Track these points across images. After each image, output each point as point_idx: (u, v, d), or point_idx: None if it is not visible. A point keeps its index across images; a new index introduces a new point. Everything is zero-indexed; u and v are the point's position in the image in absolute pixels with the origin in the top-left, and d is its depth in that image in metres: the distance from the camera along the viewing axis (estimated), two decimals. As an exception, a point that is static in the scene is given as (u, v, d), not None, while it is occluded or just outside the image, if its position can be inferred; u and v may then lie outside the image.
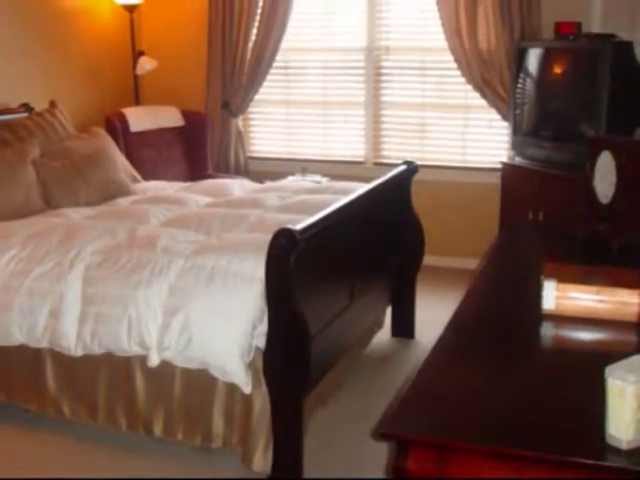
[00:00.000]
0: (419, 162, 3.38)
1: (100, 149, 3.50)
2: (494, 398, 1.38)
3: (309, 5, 4.46)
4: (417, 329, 3.36)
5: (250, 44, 4.41)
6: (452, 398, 1.38)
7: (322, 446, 2.42)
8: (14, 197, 3.02)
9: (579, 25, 3.59)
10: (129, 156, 3.99)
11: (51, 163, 3.25)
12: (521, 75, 3.79)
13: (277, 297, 2.10)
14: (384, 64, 4.39)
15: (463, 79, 4.09)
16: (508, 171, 3.85)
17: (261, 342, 2.17)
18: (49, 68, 4.04)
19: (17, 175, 3.07)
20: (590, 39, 3.48)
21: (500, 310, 1.83)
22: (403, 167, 3.21)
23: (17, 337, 2.47)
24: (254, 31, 4.38)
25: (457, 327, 1.70)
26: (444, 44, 4.06)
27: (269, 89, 4.59)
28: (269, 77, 4.48)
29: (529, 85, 3.78)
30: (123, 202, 3.27)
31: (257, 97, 4.54)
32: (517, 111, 3.85)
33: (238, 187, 3.49)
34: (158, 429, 2.38)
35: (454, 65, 4.07)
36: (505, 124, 4.08)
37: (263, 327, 2.17)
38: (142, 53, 4.56)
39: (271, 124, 4.76)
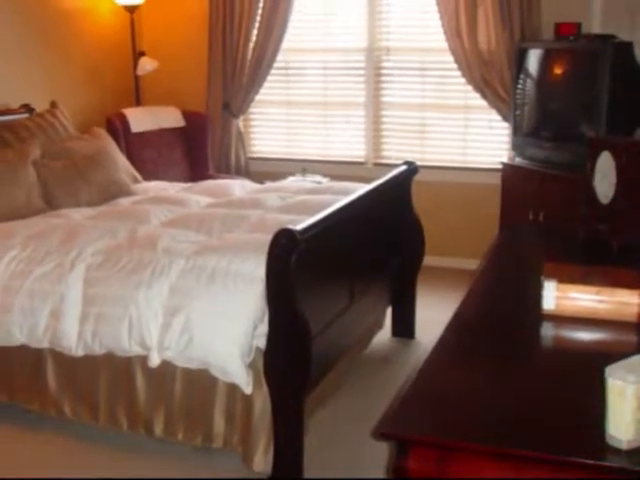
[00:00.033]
0: (419, 163, 3.39)
1: (101, 150, 3.51)
2: (494, 398, 1.38)
3: (309, 6, 4.47)
4: (417, 329, 3.36)
5: (251, 45, 4.41)
6: (452, 398, 1.39)
7: (322, 446, 2.42)
8: (15, 198, 3.03)
9: (579, 26, 3.59)
10: (130, 157, 3.99)
11: (52, 164, 3.25)
12: (521, 76, 3.79)
13: (278, 297, 2.11)
14: (384, 65, 4.39)
15: (463, 80, 4.09)
16: (508, 171, 3.85)
17: (262, 342, 2.18)
18: (50, 69, 4.04)
19: (18, 176, 3.07)
20: (590, 40, 3.48)
21: (500, 310, 1.83)
22: (403, 167, 3.21)
23: (18, 337, 2.48)
24: (255, 32, 4.39)
25: (457, 327, 1.70)
26: (444, 45, 4.06)
27: (270, 90, 4.60)
28: (270, 78, 4.48)
29: (529, 86, 3.78)
30: (124, 202, 3.28)
31: (258, 98, 4.55)
32: (517, 112, 3.85)
33: (239, 187, 3.49)
34: (159, 429, 2.38)
35: (454, 66, 4.08)
36: (505, 125, 4.08)
37: (264, 327, 2.18)
38: (143, 54, 4.57)
39: (272, 125, 4.76)
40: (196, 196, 3.29)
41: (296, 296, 2.08)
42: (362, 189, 2.80)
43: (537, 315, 1.72)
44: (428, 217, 3.48)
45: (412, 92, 4.37)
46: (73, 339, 2.39)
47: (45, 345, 2.46)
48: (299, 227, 2.13)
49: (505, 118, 4.04)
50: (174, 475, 2.30)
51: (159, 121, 4.34)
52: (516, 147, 3.88)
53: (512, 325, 1.74)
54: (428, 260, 3.42)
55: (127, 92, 4.59)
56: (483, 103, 4.09)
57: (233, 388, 2.24)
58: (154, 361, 2.29)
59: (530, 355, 1.61)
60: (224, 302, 2.22)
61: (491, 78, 4.01)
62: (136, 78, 4.57)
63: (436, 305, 3.51)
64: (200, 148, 4.42)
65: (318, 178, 4.31)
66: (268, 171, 4.55)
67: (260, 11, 4.34)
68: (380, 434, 1.33)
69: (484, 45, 3.99)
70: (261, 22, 4.35)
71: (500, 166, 3.93)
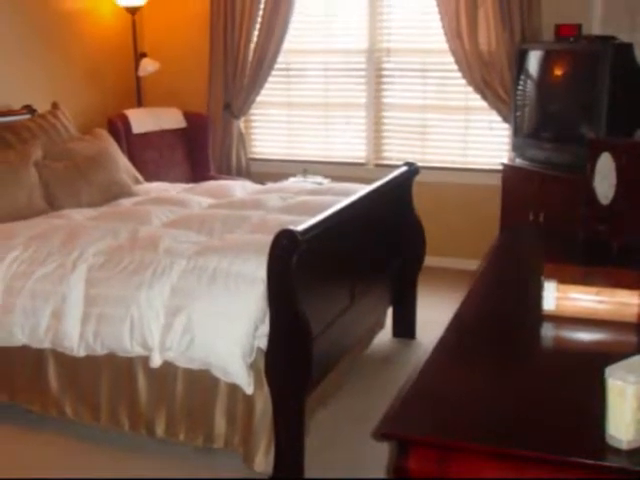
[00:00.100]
0: (420, 163, 3.39)
1: (102, 150, 3.52)
2: (495, 398, 1.38)
3: (310, 7, 4.47)
4: (418, 330, 3.36)
5: (252, 46, 4.42)
6: (453, 398, 1.39)
7: (323, 446, 2.43)
8: (17, 198, 3.03)
9: (579, 27, 3.59)
10: (131, 157, 4.00)
11: (53, 164, 3.26)
12: (522, 77, 3.80)
13: (279, 298, 2.11)
14: (385, 66, 4.40)
15: (464, 81, 4.10)
16: (509, 172, 3.86)
17: (263, 343, 2.18)
18: (51, 70, 4.05)
19: (20, 177, 3.08)
20: (590, 41, 3.49)
21: (501, 311, 1.83)
22: (404, 168, 3.22)
23: (19, 338, 2.48)
24: (256, 33, 4.40)
25: (458, 328, 1.70)
26: (445, 46, 4.07)
27: (271, 91, 4.60)
28: (270, 79, 4.49)
29: (530, 87, 3.79)
30: (125, 203, 3.28)
31: (259, 99, 4.55)
32: (518, 113, 3.86)
33: (240, 188, 3.50)
34: (160, 429, 2.39)
35: (455, 67, 4.08)
36: (506, 126, 4.09)
37: (265, 328, 2.18)
38: (144, 55, 4.58)
39: (272, 126, 4.77)
40: (197, 197, 3.30)
41: (297, 296, 2.08)
42: (363, 190, 2.81)
43: (537, 315, 1.72)
44: (429, 218, 3.49)
45: (413, 93, 4.37)
46: (75, 339, 2.40)
47: (47, 345, 2.47)
48: (300, 228, 2.14)
49: (505, 119, 4.04)
50: (175, 475, 2.30)
51: (160, 122, 4.34)
52: (516, 148, 3.89)
53: (512, 325, 1.75)
54: (429, 261, 3.43)
55: (128, 93, 4.60)
56: (483, 104, 4.09)
57: (234, 388, 2.24)
58: (155, 361, 2.30)
59: (530, 355, 1.62)
60: (225, 302, 2.23)
61: (491, 79, 4.01)
62: (137, 79, 4.58)
63: (437, 305, 3.52)
64: (201, 149, 4.43)
65: (319, 179, 4.31)
66: (269, 172, 4.56)
67: (261, 12, 4.35)
68: (381, 434, 1.33)
69: (484, 46, 3.99)
70: (262, 23, 4.36)
71: (500, 167, 3.93)
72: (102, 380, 2.44)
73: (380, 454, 2.34)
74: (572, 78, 3.62)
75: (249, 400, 2.23)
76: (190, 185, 3.70)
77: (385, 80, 4.42)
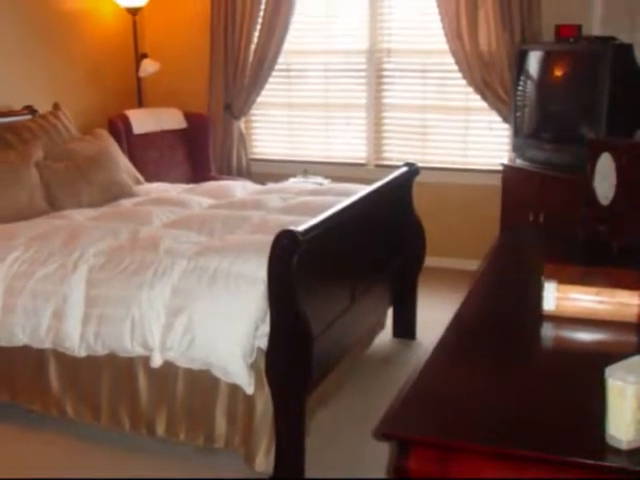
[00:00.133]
0: (420, 164, 3.40)
1: (103, 151, 3.52)
2: (495, 398, 1.39)
3: (311, 8, 4.48)
4: (418, 330, 3.37)
5: (252, 46, 4.42)
6: (453, 398, 1.39)
7: (324, 446, 2.43)
8: (18, 199, 3.04)
9: (579, 28, 3.60)
10: (132, 158, 4.01)
11: (54, 165, 3.27)
12: (522, 77, 3.80)
13: (279, 298, 2.12)
14: (385, 66, 4.40)
15: (464, 81, 4.10)
16: (509, 173, 3.86)
17: (263, 343, 2.18)
18: (52, 70, 4.06)
19: (21, 177, 3.08)
20: (590, 42, 3.49)
21: (501, 311, 1.84)
22: (404, 169, 3.22)
23: (20, 338, 2.49)
24: (256, 33, 4.40)
25: (458, 328, 1.71)
26: (445, 47, 4.07)
27: (271, 91, 4.61)
28: (271, 79, 4.49)
29: (530, 87, 3.79)
30: (126, 204, 3.29)
31: (259, 99, 4.56)
32: (518, 113, 3.86)
33: (240, 189, 3.50)
34: (161, 429, 2.39)
35: (455, 67, 4.09)
36: (506, 126, 4.09)
37: (265, 328, 2.18)
38: (145, 55, 4.58)
39: (273, 126, 4.77)
40: (198, 197, 3.30)
41: (297, 297, 2.08)
42: (363, 190, 2.81)
43: (537, 316, 1.73)
44: (429, 218, 3.49)
45: (413, 94, 4.38)
46: (75, 340, 2.40)
47: (47, 346, 2.47)
48: (301, 228, 2.14)
49: (505, 120, 4.05)
50: (176, 475, 2.30)
51: (161, 122, 4.35)
52: (516, 148, 3.89)
53: (512, 326, 1.75)
54: (429, 261, 3.43)
55: (129, 94, 4.61)
56: (484, 105, 4.10)
57: (235, 388, 2.25)
58: (156, 362, 2.30)
59: (530, 356, 1.62)
60: (226, 303, 2.23)
61: (492, 80, 4.02)
62: (138, 80, 4.58)
63: (437, 306, 3.52)
64: (202, 149, 4.43)
65: (319, 179, 4.32)
66: (270, 172, 4.56)
67: (262, 13, 4.36)
68: (381, 434, 1.34)
69: (485, 47, 4.00)
70: (263, 24, 4.36)
71: (500, 167, 3.94)
72: (103, 380, 2.45)
73: (380, 454, 2.34)
74: (572, 79, 3.63)
75: (250, 400, 2.23)
76: (191, 185, 3.70)
77: (385, 81, 4.43)
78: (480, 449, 1.23)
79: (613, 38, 3.42)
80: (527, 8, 3.87)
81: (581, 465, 1.17)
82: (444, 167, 4.34)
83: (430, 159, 4.35)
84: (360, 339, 2.90)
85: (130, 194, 3.45)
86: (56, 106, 3.76)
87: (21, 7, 3.84)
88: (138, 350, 2.33)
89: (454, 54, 4.05)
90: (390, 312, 3.34)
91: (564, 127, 3.62)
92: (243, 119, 4.65)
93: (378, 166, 4.47)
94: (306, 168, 4.50)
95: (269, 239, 2.12)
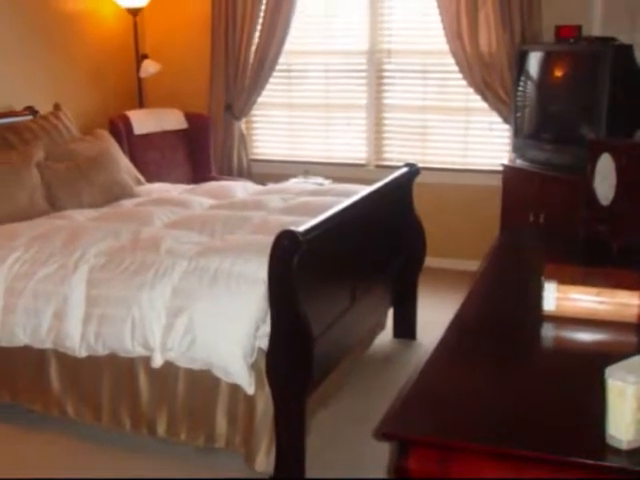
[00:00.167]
0: (421, 164, 3.40)
1: (104, 151, 3.52)
2: (495, 398, 1.39)
3: (311, 8, 4.48)
4: (419, 330, 3.37)
5: (253, 47, 4.42)
6: (453, 398, 1.40)
7: (324, 446, 2.43)
8: (19, 199, 3.04)
9: (579, 28, 3.60)
10: (133, 158, 4.01)
11: (55, 165, 3.27)
12: (522, 78, 3.80)
13: (280, 298, 2.12)
14: (386, 67, 4.41)
15: (464, 82, 4.10)
16: (509, 173, 3.87)
17: (264, 343, 2.19)
18: (53, 71, 4.06)
19: (22, 177, 3.09)
20: (590, 42, 3.49)
21: (501, 311, 1.84)
22: (405, 169, 3.22)
23: (21, 338, 2.49)
24: (257, 34, 4.40)
25: (458, 328, 1.71)
26: (445, 47, 4.07)
27: (272, 92, 4.61)
28: (272, 80, 4.50)
29: (530, 88, 3.80)
30: (127, 204, 3.29)
31: (260, 100, 4.56)
32: (518, 114, 3.87)
33: (241, 189, 3.51)
34: (161, 429, 2.39)
35: (455, 68, 4.09)
36: (506, 127, 4.10)
37: (266, 328, 2.19)
38: (146, 56, 4.58)
39: (274, 127, 4.78)
40: (199, 198, 3.31)
41: (298, 297, 2.09)
42: (364, 191, 2.81)
43: (538, 316, 1.73)
44: (429, 218, 3.49)
45: (413, 94, 4.38)
46: (76, 340, 2.41)
47: (48, 346, 2.47)
48: (301, 228, 2.14)
49: (506, 120, 4.05)
50: (176, 475, 2.31)
51: (162, 123, 4.35)
52: (517, 149, 3.90)
53: (513, 326, 1.75)
54: (429, 261, 3.43)
55: (130, 94, 4.61)
56: (484, 105, 4.10)
57: (235, 389, 2.25)
58: (157, 362, 2.30)
59: (530, 356, 1.63)
60: (226, 303, 2.23)
61: (492, 80, 4.02)
62: (139, 80, 4.58)
63: (437, 306, 3.52)
64: (202, 150, 4.44)
65: (320, 180, 4.32)
66: (270, 173, 4.56)
67: (262, 13, 4.36)
68: (381, 434, 1.34)
69: (485, 47, 4.00)
70: (263, 24, 4.37)
71: (501, 168, 3.94)
72: (104, 380, 2.45)
73: (381, 454, 2.34)
74: (572, 79, 3.63)
75: (250, 400, 2.24)
76: (191, 186, 3.71)
77: (386, 81, 4.43)
78: (480, 449, 1.23)
79: (613, 39, 3.43)
80: (527, 9, 3.87)
81: (581, 465, 1.18)
82: (444, 168, 4.34)
83: (430, 159, 4.36)
84: (360, 339, 2.90)
85: (131, 194, 3.45)
86: (57, 107, 3.77)
87: (22, 8, 3.84)
88: (139, 350, 2.33)
89: (454, 55, 4.05)
90: (390, 312, 3.34)
91: (564, 128, 3.63)
92: (244, 119, 4.66)
93: (378, 166, 4.47)
94: (307, 169, 4.51)
95: (270, 239, 2.12)
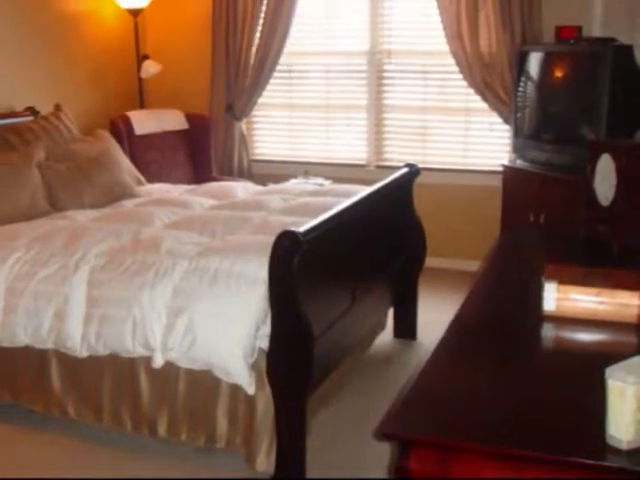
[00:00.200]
0: (421, 165, 3.40)
1: (105, 152, 3.53)
2: (495, 399, 1.39)
3: (312, 9, 4.48)
4: (419, 330, 3.37)
5: (253, 48, 4.43)
6: (454, 398, 1.40)
7: (325, 446, 2.43)
8: (20, 199, 3.05)
9: (579, 29, 3.60)
10: (134, 159, 4.01)
11: (56, 166, 3.28)
12: (522, 78, 3.80)
13: (280, 299, 2.12)
14: (386, 67, 4.41)
15: (465, 82, 4.10)
16: (509, 174, 3.87)
17: (264, 343, 2.19)
18: (54, 72, 4.06)
19: (23, 178, 3.09)
20: (590, 43, 3.50)
21: (501, 311, 1.84)
22: (405, 170, 3.23)
23: (22, 338, 2.49)
24: (257, 35, 4.41)
25: (459, 328, 1.71)
26: (446, 48, 4.08)
27: (272, 92, 4.61)
28: (272, 81, 4.50)
29: (530, 88, 3.80)
30: (128, 204, 3.29)
31: (260, 100, 4.56)
32: (518, 114, 3.87)
33: (242, 190, 3.51)
34: (162, 429, 2.40)
35: (456, 68, 4.09)
36: (506, 127, 4.10)
37: (266, 328, 2.19)
38: (146, 57, 4.59)
39: (274, 127, 4.78)
40: (199, 198, 3.31)
41: (298, 297, 2.09)
42: (364, 191, 2.82)
43: (538, 316, 1.73)
44: (429, 219, 3.50)
45: (414, 95, 4.38)
46: (77, 340, 2.41)
47: (49, 346, 2.48)
48: (302, 229, 2.14)
49: (506, 121, 4.05)
50: (177, 475, 2.31)
51: (162, 124, 4.36)
52: (517, 149, 3.90)
53: (513, 326, 1.76)
54: (430, 261, 3.43)
55: (131, 95, 4.62)
56: (484, 106, 4.10)
57: (236, 389, 2.25)
58: (158, 362, 2.31)
59: (531, 356, 1.63)
60: (227, 303, 2.24)
61: (492, 81, 4.02)
62: (140, 81, 4.59)
63: (437, 306, 3.53)
64: (203, 150, 4.44)
65: (320, 180, 4.33)
66: (271, 173, 4.57)
67: (263, 14, 4.36)
68: (382, 434, 1.34)
69: (485, 48, 4.00)
70: (264, 25, 4.37)
71: (501, 168, 3.94)
72: (104, 380, 2.45)
73: (381, 454, 2.34)
74: (572, 80, 3.63)
75: (251, 400, 2.24)
76: (192, 186, 3.71)
77: (386, 82, 4.43)
78: (480, 449, 1.24)
79: (613, 39, 3.43)
80: (527, 9, 3.87)
81: (581, 465, 1.18)
82: (445, 168, 4.34)
83: (431, 160, 4.36)
84: (361, 339, 2.90)
85: (132, 195, 3.45)
86: (58, 107, 3.77)
87: (22, 8, 3.85)
88: (139, 350, 2.33)
89: (455, 55, 4.06)
90: (391, 312, 3.34)
91: (564, 128, 3.63)
92: (244, 120, 4.66)
93: (379, 167, 4.47)
94: (307, 169, 4.51)
95: (270, 240, 2.12)
